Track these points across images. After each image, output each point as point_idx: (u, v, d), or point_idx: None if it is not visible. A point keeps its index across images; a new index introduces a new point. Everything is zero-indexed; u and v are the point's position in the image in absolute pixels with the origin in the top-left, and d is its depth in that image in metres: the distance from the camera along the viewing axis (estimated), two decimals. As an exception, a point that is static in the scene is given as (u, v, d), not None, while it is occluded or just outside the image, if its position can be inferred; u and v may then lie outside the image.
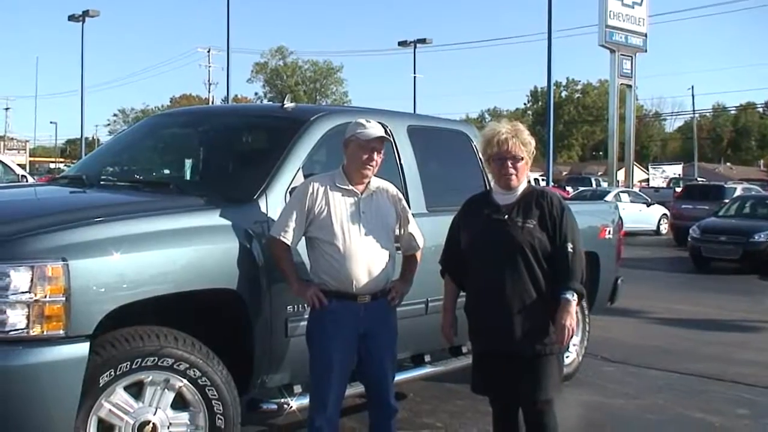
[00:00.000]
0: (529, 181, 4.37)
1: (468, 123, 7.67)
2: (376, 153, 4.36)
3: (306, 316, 4.55)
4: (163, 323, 4.16)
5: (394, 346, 4.55)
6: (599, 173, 56.89)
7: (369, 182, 4.43)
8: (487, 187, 6.02)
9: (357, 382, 4.74)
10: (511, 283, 4.09)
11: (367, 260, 4.29)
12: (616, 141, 36.23)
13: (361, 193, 4.39)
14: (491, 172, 4.35)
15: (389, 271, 4.44)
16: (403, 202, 4.64)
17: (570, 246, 4.08)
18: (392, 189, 4.63)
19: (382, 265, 4.36)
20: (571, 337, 4.10)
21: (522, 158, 4.18)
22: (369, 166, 4.36)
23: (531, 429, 4.27)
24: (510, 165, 4.17)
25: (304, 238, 4.40)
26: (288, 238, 4.32)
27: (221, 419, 4.23)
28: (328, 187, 4.36)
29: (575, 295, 4.04)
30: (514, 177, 4.19)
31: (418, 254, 4.72)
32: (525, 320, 4.06)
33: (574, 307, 4.05)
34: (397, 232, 4.56)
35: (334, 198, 4.34)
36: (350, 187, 4.37)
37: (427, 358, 5.85)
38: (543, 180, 29.30)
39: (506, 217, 4.16)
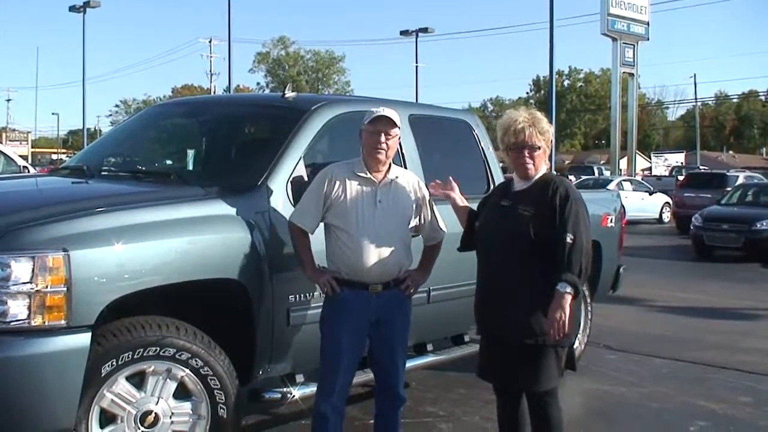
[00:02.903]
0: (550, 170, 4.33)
1: (470, 112, 7.65)
2: (383, 135, 4.31)
3: (310, 305, 4.59)
4: (165, 313, 4.17)
5: (405, 336, 4.54)
6: (602, 162, 56.82)
7: (388, 171, 4.42)
8: (489, 176, 6.06)
9: (361, 371, 4.74)
10: (507, 271, 4.07)
11: (378, 249, 4.28)
12: (619, 130, 36.25)
13: (379, 182, 4.37)
14: (509, 162, 4.32)
15: (402, 260, 4.42)
16: (425, 191, 4.59)
17: (569, 237, 3.95)
18: (412, 178, 4.61)
19: (395, 255, 4.34)
20: (565, 332, 3.95)
21: (539, 147, 4.15)
22: (379, 150, 4.31)
23: (535, 418, 4.26)
24: (527, 154, 4.14)
25: (322, 224, 4.40)
26: (305, 223, 4.34)
27: (223, 409, 4.24)
28: (347, 175, 4.35)
29: (569, 287, 3.91)
30: (531, 166, 4.16)
31: (440, 244, 4.70)
32: (520, 309, 4.03)
33: (567, 300, 3.91)
34: (416, 221, 4.53)
35: (351, 186, 4.33)
36: (368, 176, 4.35)
37: (430, 347, 5.85)
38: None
39: (510, 203, 4.15)
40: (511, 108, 4.61)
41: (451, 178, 4.71)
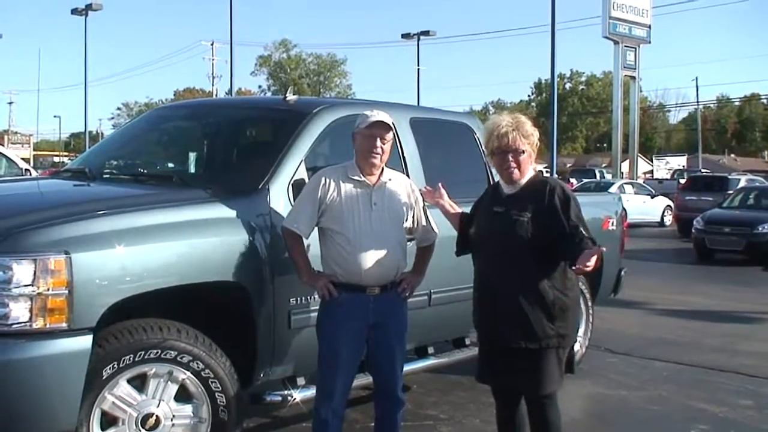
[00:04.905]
0: (540, 172, 4.31)
1: (471, 115, 7.67)
2: (379, 140, 4.31)
3: (310, 308, 4.58)
4: (166, 316, 4.17)
5: (403, 338, 4.54)
6: (603, 165, 56.79)
7: (382, 174, 4.42)
8: (490, 179, 6.05)
9: (362, 374, 4.75)
10: (504, 276, 4.06)
11: (375, 252, 4.28)
12: (620, 133, 36.19)
13: (373, 185, 4.37)
14: (494, 166, 4.32)
15: (399, 262, 4.43)
16: (417, 193, 4.61)
17: (582, 230, 3.94)
18: (405, 181, 4.62)
19: (392, 257, 4.34)
20: (596, 266, 3.81)
21: (523, 151, 4.13)
22: (374, 154, 4.32)
23: (533, 422, 4.25)
24: (511, 159, 4.12)
25: (317, 228, 4.41)
26: (300, 228, 4.33)
27: (224, 411, 4.24)
28: (341, 178, 4.35)
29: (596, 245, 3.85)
30: (515, 170, 4.14)
31: (433, 246, 4.71)
32: (519, 313, 4.01)
33: (598, 253, 3.80)
34: (410, 223, 4.54)
35: (345, 189, 4.33)
36: (362, 179, 4.35)
37: (431, 350, 5.86)
38: (547, 172, 29.30)
39: (504, 209, 4.13)
40: (513, 111, 4.59)
41: (440, 184, 4.72)
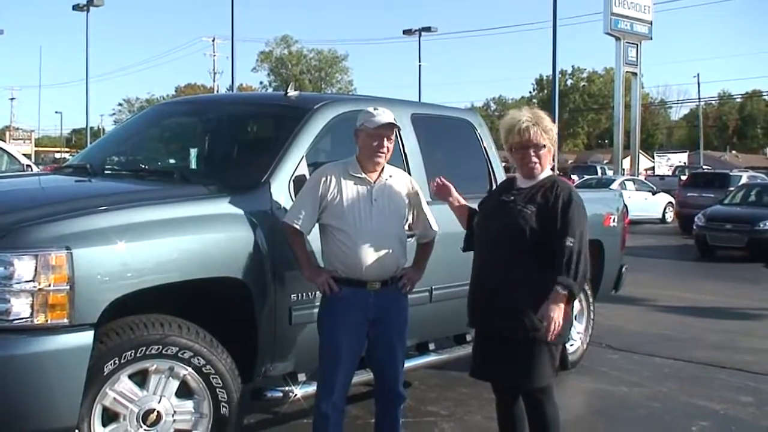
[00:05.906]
0: (552, 169, 4.34)
1: (472, 111, 7.64)
2: (386, 140, 4.34)
3: (312, 304, 4.58)
4: (168, 312, 4.17)
5: (403, 334, 4.55)
6: (605, 161, 56.74)
7: (382, 170, 4.43)
8: (491, 175, 6.07)
9: (363, 370, 4.75)
10: (501, 265, 4.09)
11: (376, 248, 4.29)
12: (622, 129, 36.21)
13: (374, 182, 4.38)
14: (514, 161, 4.33)
15: (399, 258, 4.44)
16: (417, 190, 4.62)
17: (569, 240, 3.97)
18: (406, 177, 4.64)
19: (392, 253, 4.36)
20: (558, 330, 3.98)
21: (544, 146, 4.17)
22: (380, 154, 4.35)
23: (531, 417, 4.27)
24: (533, 154, 4.17)
25: (318, 225, 4.41)
26: (301, 224, 4.33)
27: (225, 407, 4.24)
28: (342, 175, 4.37)
29: (564, 289, 3.93)
30: (537, 165, 4.19)
31: (433, 242, 4.72)
32: (510, 304, 4.03)
33: (562, 300, 3.94)
34: (410, 220, 4.56)
35: (346, 186, 4.34)
36: (363, 176, 4.37)
37: (432, 347, 5.86)
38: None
39: (512, 199, 4.16)
40: (515, 107, 4.61)
41: (449, 183, 4.74)
